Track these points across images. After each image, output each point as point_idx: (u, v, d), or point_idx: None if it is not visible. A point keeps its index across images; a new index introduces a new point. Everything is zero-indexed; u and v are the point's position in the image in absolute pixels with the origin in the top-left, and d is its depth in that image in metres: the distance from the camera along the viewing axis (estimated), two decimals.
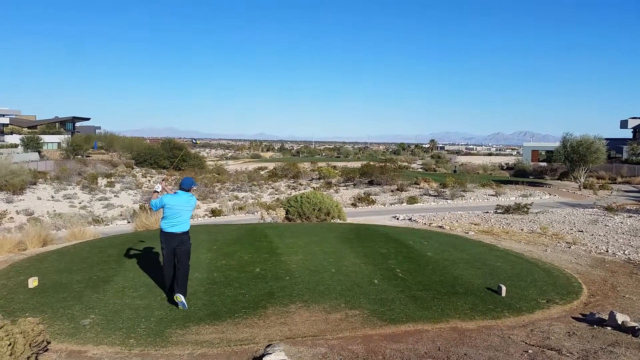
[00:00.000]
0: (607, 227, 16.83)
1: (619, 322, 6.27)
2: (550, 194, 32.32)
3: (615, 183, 40.21)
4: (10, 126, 71.78)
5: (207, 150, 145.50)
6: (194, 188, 7.23)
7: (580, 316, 7.03)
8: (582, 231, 15.92)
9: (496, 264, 9.77)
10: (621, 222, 17.78)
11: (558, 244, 13.32)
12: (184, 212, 7.00)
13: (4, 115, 73.40)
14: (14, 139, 60.03)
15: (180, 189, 7.14)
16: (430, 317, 6.67)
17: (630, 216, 19.55)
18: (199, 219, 24.61)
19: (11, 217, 25.90)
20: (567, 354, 5.44)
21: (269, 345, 5.67)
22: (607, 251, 12.51)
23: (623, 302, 7.97)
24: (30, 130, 68.84)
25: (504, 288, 7.72)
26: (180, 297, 6.83)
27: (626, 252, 12.30)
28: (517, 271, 9.34)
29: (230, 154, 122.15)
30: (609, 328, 6.28)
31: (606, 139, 38.50)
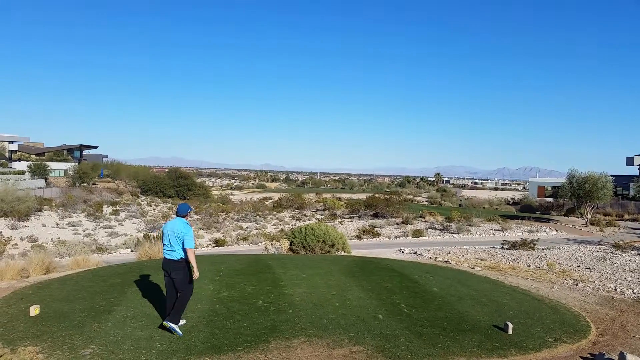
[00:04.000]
0: (615, 264, 16.63)
1: None
2: (556, 230, 32.08)
3: (623, 220, 39.90)
4: (18, 153, 72.52)
5: (212, 179, 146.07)
6: (190, 213, 7.25)
7: (589, 356, 6.88)
8: (589, 268, 15.72)
9: (503, 301, 9.63)
10: (629, 260, 17.56)
11: (565, 281, 13.14)
12: (172, 238, 6.96)
13: (12, 142, 74.25)
14: (22, 165, 60.54)
15: (176, 215, 7.20)
16: (436, 354, 6.55)
17: (638, 254, 19.32)
18: (202, 248, 24.52)
19: (15, 244, 25.90)
20: None
21: None
22: (616, 289, 12.32)
23: (633, 343, 7.80)
24: (37, 157, 69.48)
25: (510, 326, 7.59)
26: (167, 324, 6.84)
27: (635, 291, 12.10)
28: (524, 308, 9.19)
29: (235, 184, 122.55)
30: None
31: (612, 175, 38.39)
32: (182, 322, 7.18)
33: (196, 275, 6.95)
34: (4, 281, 10.77)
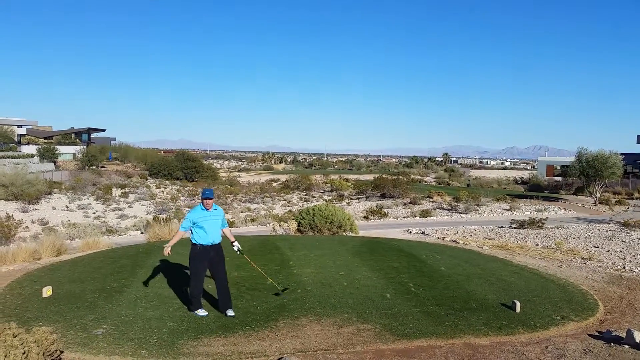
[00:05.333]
0: (623, 243, 16.57)
1: (637, 341, 6.14)
2: (565, 209, 31.96)
3: (632, 199, 39.63)
4: (27, 136, 72.88)
5: (220, 161, 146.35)
6: (203, 198, 7.11)
7: (596, 333, 6.91)
8: (598, 247, 15.69)
9: (510, 280, 9.66)
10: (638, 238, 17.49)
11: (573, 260, 13.13)
12: None
13: (21, 126, 74.61)
14: (31, 149, 60.87)
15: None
16: (443, 332, 6.60)
17: None
18: None
19: (26, 227, 26.19)
20: None
21: (280, 359, 5.64)
22: (624, 268, 12.30)
23: None
24: (46, 141, 69.78)
25: (518, 304, 7.61)
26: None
27: None
28: (532, 287, 9.22)
29: (242, 166, 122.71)
30: (627, 346, 6.15)
31: (622, 154, 38.03)
32: (202, 312, 7.14)
33: (164, 251, 7.18)
34: (17, 263, 10.94)
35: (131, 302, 7.51)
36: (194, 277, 7.09)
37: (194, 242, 7.02)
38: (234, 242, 7.41)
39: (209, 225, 7.01)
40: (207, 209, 7.03)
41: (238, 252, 7.38)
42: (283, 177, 65.17)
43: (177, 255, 10.61)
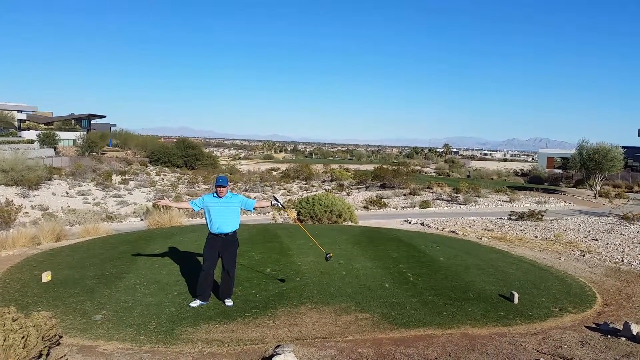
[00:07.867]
0: (622, 236, 16.60)
1: (634, 333, 6.16)
2: (565, 202, 31.97)
3: (632, 192, 39.63)
4: (27, 122, 72.74)
5: (220, 150, 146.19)
6: (216, 186, 7.01)
7: (593, 326, 6.93)
8: (597, 240, 15.72)
9: (509, 271, 9.67)
10: (637, 232, 17.51)
11: (572, 252, 13.16)
12: None
13: (21, 112, 74.42)
14: (31, 134, 60.76)
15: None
16: (441, 322, 6.62)
17: None
18: None
19: (26, 212, 26.19)
20: None
21: (278, 346, 5.66)
22: (623, 260, 12.33)
23: (638, 313, 7.84)
24: (46, 127, 69.64)
25: (516, 295, 7.63)
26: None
27: None
28: (530, 278, 9.23)
29: (243, 154, 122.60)
30: (623, 339, 6.17)
31: (623, 147, 37.99)
32: (194, 303, 7.01)
33: (159, 201, 7.49)
34: (16, 248, 10.96)
35: (130, 288, 7.53)
36: (203, 264, 7.09)
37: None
38: (273, 203, 7.26)
39: (214, 213, 6.92)
40: (219, 196, 6.95)
41: (280, 206, 7.30)
42: (283, 166, 65.16)
43: (178, 242, 10.64)
